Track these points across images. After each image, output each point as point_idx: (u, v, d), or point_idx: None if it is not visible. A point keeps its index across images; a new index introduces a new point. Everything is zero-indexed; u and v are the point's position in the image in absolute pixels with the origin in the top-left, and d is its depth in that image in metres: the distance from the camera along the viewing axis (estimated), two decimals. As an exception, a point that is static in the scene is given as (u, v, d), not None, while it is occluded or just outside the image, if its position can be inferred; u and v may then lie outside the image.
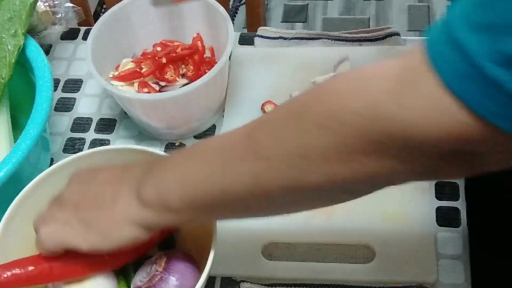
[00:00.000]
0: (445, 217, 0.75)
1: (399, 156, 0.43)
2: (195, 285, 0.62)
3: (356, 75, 0.46)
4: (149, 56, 0.87)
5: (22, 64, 0.81)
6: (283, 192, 0.49)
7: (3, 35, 0.79)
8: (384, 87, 0.42)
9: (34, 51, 0.80)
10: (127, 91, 0.84)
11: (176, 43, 0.89)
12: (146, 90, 0.84)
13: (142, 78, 0.85)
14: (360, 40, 0.94)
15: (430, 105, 0.39)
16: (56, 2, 0.97)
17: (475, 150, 0.41)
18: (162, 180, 0.55)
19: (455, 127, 0.39)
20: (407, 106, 0.40)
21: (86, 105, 0.92)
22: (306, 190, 0.48)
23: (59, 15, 0.98)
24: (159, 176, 0.56)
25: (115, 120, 0.90)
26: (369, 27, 2.14)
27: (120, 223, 0.57)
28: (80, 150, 0.86)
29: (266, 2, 2.29)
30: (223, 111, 0.88)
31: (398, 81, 0.41)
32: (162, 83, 0.86)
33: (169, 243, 0.71)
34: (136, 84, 0.85)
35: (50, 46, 1.00)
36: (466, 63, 0.38)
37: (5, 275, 0.62)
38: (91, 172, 0.64)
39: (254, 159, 0.49)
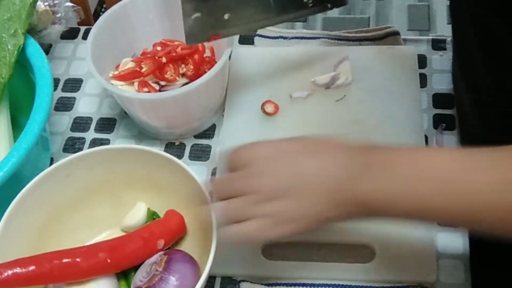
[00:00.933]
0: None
1: None
2: (195, 285, 0.62)
3: None
4: (149, 55, 0.87)
5: (22, 64, 0.81)
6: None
7: (3, 35, 0.79)
8: None
9: (34, 50, 0.80)
10: (127, 90, 0.83)
11: (176, 43, 0.88)
12: (146, 89, 0.84)
13: (142, 78, 0.85)
14: (360, 40, 0.94)
15: None
16: (56, 2, 0.97)
17: None
18: (384, 187, 0.55)
19: None
20: None
21: (86, 104, 0.92)
22: None
23: (59, 15, 0.98)
24: (379, 182, 0.55)
25: (115, 120, 0.90)
26: (369, 26, 2.14)
27: (321, 219, 0.58)
28: (80, 149, 0.86)
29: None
30: (223, 110, 0.88)
31: None
32: (162, 83, 0.85)
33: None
34: (136, 84, 0.85)
35: (50, 45, 1.00)
36: None
37: (5, 274, 0.62)
38: (284, 156, 0.60)
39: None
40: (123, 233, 0.75)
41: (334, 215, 0.57)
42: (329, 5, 0.83)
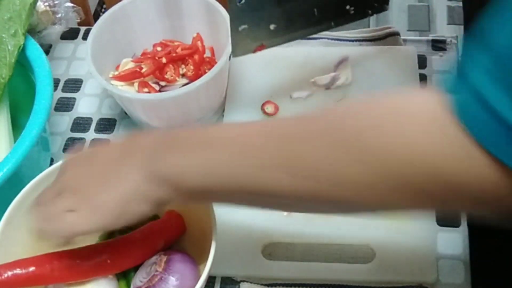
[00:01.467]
0: (445, 217, 0.75)
1: (435, 198, 0.46)
2: (195, 285, 0.62)
3: (393, 111, 0.47)
4: (149, 56, 0.87)
5: (22, 64, 0.81)
6: (298, 200, 0.51)
7: (3, 35, 0.79)
8: (428, 138, 0.44)
9: (34, 51, 0.80)
10: (127, 91, 0.84)
11: (176, 43, 0.88)
12: (146, 90, 0.84)
13: (142, 78, 0.85)
14: (360, 40, 0.94)
15: (471, 164, 0.42)
16: (56, 2, 0.97)
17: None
18: (179, 161, 0.55)
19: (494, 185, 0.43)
20: (452, 161, 0.43)
21: (86, 105, 0.92)
22: (320, 203, 0.51)
23: (59, 15, 0.98)
24: (176, 157, 0.55)
25: (115, 120, 0.90)
26: (369, 27, 2.13)
27: (130, 200, 0.56)
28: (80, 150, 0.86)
29: (266, 2, 2.29)
30: (223, 111, 0.88)
31: (438, 134, 0.44)
32: (162, 83, 0.85)
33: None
34: (136, 84, 0.85)
35: (50, 46, 1.00)
36: (502, 127, 0.40)
37: (5, 275, 0.62)
38: (88, 154, 0.63)
39: (276, 166, 0.50)
40: (123, 234, 0.74)
41: (148, 191, 0.56)
42: (370, 12, 0.83)
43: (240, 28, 0.70)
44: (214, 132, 0.58)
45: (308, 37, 0.95)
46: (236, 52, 0.73)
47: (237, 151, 0.53)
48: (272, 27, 0.72)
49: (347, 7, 0.79)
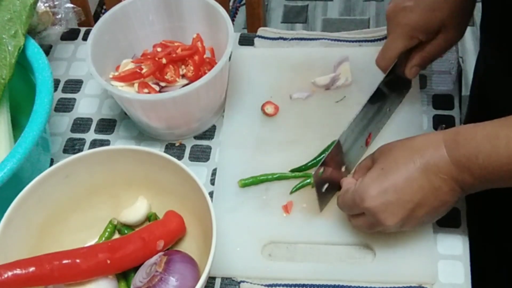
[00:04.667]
0: (445, 217, 0.75)
1: None
2: (195, 285, 0.62)
3: None
4: (149, 56, 0.87)
5: (22, 65, 0.81)
6: None
7: (3, 36, 0.79)
8: None
9: (34, 51, 0.80)
10: (127, 91, 0.83)
11: (176, 44, 0.89)
12: (146, 90, 0.84)
13: (142, 79, 0.85)
14: (360, 41, 0.94)
15: None
16: (56, 3, 0.97)
17: None
18: (482, 169, 0.61)
19: None
20: None
21: (86, 105, 0.92)
22: None
23: (59, 16, 0.98)
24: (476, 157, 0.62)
25: (115, 121, 0.90)
26: (369, 27, 2.14)
27: (446, 203, 0.66)
28: (80, 150, 0.87)
29: (266, 3, 2.29)
30: (223, 111, 0.88)
31: None
32: (162, 84, 0.86)
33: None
34: (136, 85, 0.85)
35: (50, 46, 1.00)
36: None
37: (5, 275, 0.62)
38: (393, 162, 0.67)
39: None
40: (123, 234, 0.75)
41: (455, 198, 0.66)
42: (401, 100, 0.85)
43: (323, 189, 0.75)
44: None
45: (308, 37, 0.95)
46: (321, 207, 0.77)
47: None
48: (343, 169, 0.77)
49: (387, 109, 0.83)
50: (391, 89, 0.81)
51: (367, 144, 0.81)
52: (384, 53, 0.78)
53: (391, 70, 0.78)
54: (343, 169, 0.77)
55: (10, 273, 0.63)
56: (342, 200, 0.71)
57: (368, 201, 0.66)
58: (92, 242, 0.74)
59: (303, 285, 0.72)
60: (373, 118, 0.80)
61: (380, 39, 0.93)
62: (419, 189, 0.65)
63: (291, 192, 0.78)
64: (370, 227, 0.70)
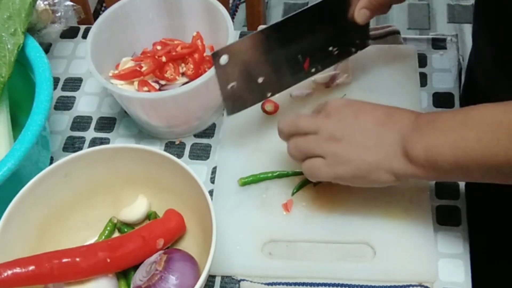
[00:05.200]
0: (445, 217, 0.75)
1: None
2: (195, 284, 0.62)
3: None
4: (149, 54, 0.87)
5: (22, 63, 0.81)
6: None
7: (3, 34, 0.79)
8: None
9: (34, 49, 0.80)
10: (127, 90, 0.83)
11: (176, 42, 0.88)
12: (146, 89, 0.84)
13: (142, 77, 0.85)
14: (360, 39, 0.93)
15: None
16: (55, 1, 0.97)
17: None
18: (433, 142, 0.62)
19: None
20: None
21: (86, 103, 0.92)
22: None
23: (59, 14, 0.98)
24: (430, 138, 0.62)
25: (115, 119, 0.90)
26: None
27: (380, 169, 0.65)
28: (80, 148, 0.86)
29: (266, 1, 2.29)
30: (223, 109, 0.88)
31: None
32: (162, 82, 0.85)
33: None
34: (136, 83, 0.85)
35: (50, 44, 1.00)
36: None
37: (5, 274, 0.62)
38: (351, 109, 0.68)
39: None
40: (123, 233, 0.75)
41: (397, 166, 0.64)
42: (353, 50, 0.84)
43: (229, 87, 0.73)
44: (466, 113, 0.62)
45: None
46: (229, 110, 0.76)
47: (489, 130, 0.58)
48: (260, 80, 0.74)
49: (330, 48, 0.80)
50: (339, 29, 0.79)
51: (305, 68, 0.79)
52: None
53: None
54: (260, 80, 0.75)
55: (9, 272, 0.63)
56: (294, 118, 0.71)
57: (329, 106, 0.68)
58: (92, 241, 0.74)
59: (303, 283, 0.72)
60: (311, 46, 0.78)
61: (380, 37, 0.93)
62: (371, 134, 0.66)
63: (293, 193, 0.78)
64: (304, 152, 0.69)
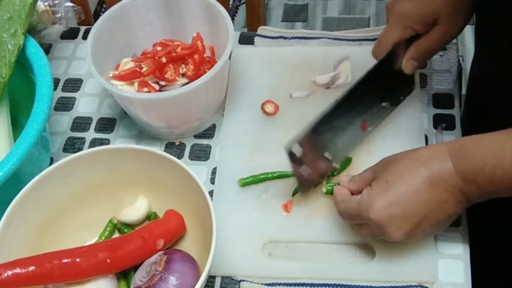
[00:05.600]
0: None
1: None
2: (195, 284, 0.62)
3: None
4: (149, 55, 0.87)
5: (22, 64, 0.81)
6: None
7: (3, 35, 0.79)
8: None
9: (34, 50, 0.80)
10: (127, 90, 0.83)
11: (176, 43, 0.88)
12: (146, 89, 0.84)
13: (142, 78, 0.85)
14: (360, 40, 0.94)
15: None
16: (56, 2, 0.97)
17: None
18: (488, 182, 0.62)
19: None
20: None
21: (86, 104, 0.92)
22: None
23: (59, 15, 0.98)
24: (481, 175, 0.62)
25: (115, 120, 0.90)
26: (369, 26, 2.14)
27: (451, 215, 0.66)
28: (80, 149, 0.86)
29: (266, 2, 2.29)
30: (223, 110, 0.88)
31: None
32: (162, 83, 0.85)
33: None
34: (136, 84, 0.85)
35: (50, 45, 1.00)
36: None
37: (5, 274, 0.62)
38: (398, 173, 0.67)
39: None
40: (123, 234, 0.75)
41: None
42: (401, 98, 0.84)
43: (302, 171, 0.75)
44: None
45: (308, 36, 0.95)
46: (303, 190, 0.78)
47: None
48: (326, 154, 0.76)
49: (383, 104, 0.82)
50: (389, 83, 0.80)
51: (364, 129, 0.80)
52: (379, 42, 0.78)
53: (385, 59, 0.77)
54: (326, 155, 0.76)
55: (10, 272, 0.63)
56: (345, 209, 0.70)
57: (373, 214, 0.65)
58: (92, 241, 0.74)
59: (303, 284, 0.72)
60: (367, 107, 0.78)
61: (380, 38, 0.93)
62: (425, 202, 0.64)
63: (293, 194, 0.78)
64: (374, 236, 0.69)
